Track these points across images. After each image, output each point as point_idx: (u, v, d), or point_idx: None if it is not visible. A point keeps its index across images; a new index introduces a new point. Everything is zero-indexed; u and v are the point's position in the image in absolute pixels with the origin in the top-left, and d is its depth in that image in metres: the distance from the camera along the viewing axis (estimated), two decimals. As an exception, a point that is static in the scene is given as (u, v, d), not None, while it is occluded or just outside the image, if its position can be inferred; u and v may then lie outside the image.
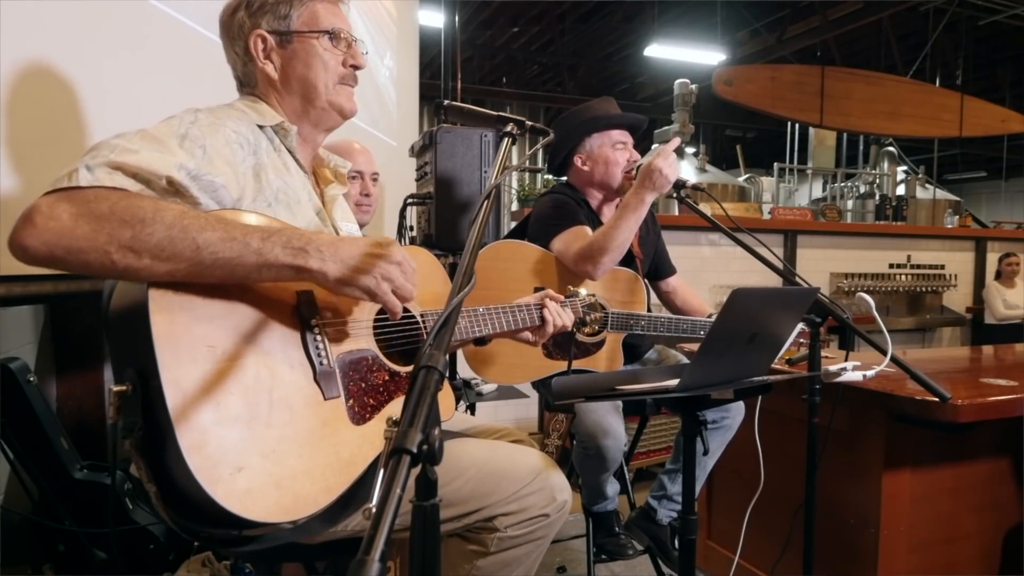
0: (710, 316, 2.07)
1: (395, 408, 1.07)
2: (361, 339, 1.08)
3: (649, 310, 2.06)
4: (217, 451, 0.83)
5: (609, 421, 1.80)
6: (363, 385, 1.05)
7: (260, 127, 1.14)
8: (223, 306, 0.91)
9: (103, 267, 0.84)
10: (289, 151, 1.19)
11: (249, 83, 1.21)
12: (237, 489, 0.83)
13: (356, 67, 1.23)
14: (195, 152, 0.97)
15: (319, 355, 0.99)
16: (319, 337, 1.00)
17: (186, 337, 0.85)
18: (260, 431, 0.88)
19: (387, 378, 1.09)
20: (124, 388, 0.84)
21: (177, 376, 0.82)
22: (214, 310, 0.90)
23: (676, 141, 1.96)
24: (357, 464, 0.97)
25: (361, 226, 2.05)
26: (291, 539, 1.03)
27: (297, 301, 0.99)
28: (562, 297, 1.42)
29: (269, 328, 0.95)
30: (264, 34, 1.15)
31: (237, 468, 0.84)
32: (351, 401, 1.01)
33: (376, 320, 1.12)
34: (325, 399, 0.98)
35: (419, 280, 1.24)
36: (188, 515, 0.86)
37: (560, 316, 1.38)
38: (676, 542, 1.96)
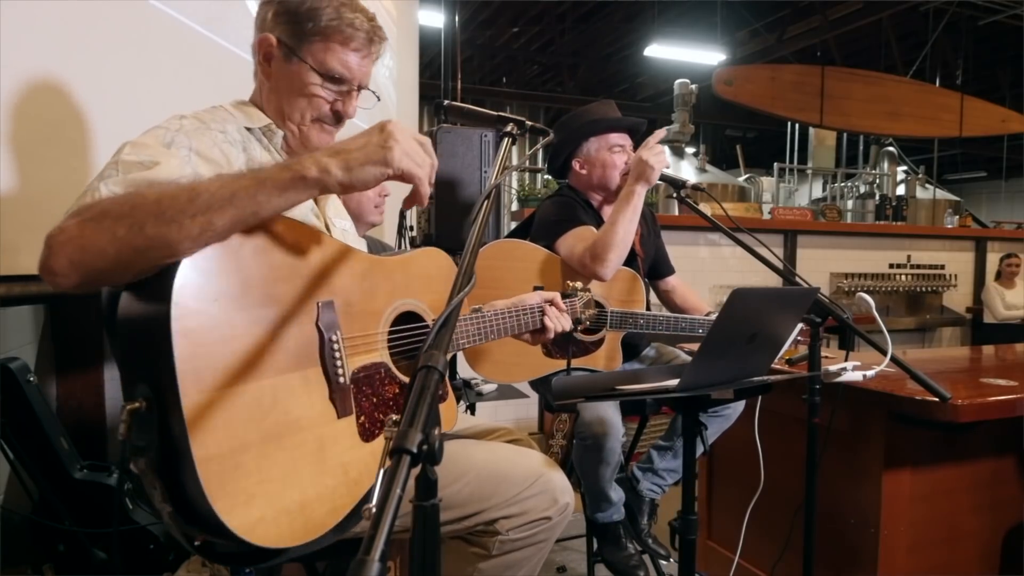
0: (708, 315, 2.07)
1: (403, 422, 1.07)
2: (375, 352, 1.07)
3: (648, 309, 2.06)
4: (233, 478, 0.82)
5: (608, 413, 1.81)
6: (375, 400, 1.04)
7: (248, 128, 1.15)
8: (247, 323, 0.88)
9: (119, 252, 0.83)
10: (277, 152, 1.19)
11: (256, 73, 1.21)
12: (251, 518, 0.83)
13: (339, 114, 1.20)
14: (181, 157, 0.98)
15: (336, 370, 0.98)
16: (338, 351, 0.99)
17: (207, 360, 0.83)
18: (273, 454, 0.88)
19: (397, 391, 1.08)
20: (137, 405, 0.82)
21: (197, 401, 0.81)
22: (238, 328, 0.87)
23: (661, 132, 1.97)
24: (363, 483, 0.97)
25: (373, 226, 2.05)
26: (298, 554, 1.04)
27: (318, 313, 0.98)
28: (564, 306, 1.42)
29: (289, 343, 0.93)
30: (274, 40, 1.15)
31: (251, 496, 0.84)
32: (362, 418, 1.01)
33: (391, 332, 1.11)
34: (339, 417, 0.97)
35: (436, 284, 1.23)
36: (201, 530, 0.86)
37: (560, 321, 1.39)
38: (676, 542, 1.96)
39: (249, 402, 0.86)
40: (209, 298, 0.85)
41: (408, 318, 1.16)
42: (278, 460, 0.88)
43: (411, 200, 1.02)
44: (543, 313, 1.37)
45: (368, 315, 1.07)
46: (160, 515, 0.87)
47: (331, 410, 0.96)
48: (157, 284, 0.83)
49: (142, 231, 0.82)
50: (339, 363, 0.98)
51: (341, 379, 0.98)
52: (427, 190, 1.00)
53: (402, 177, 0.96)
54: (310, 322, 0.96)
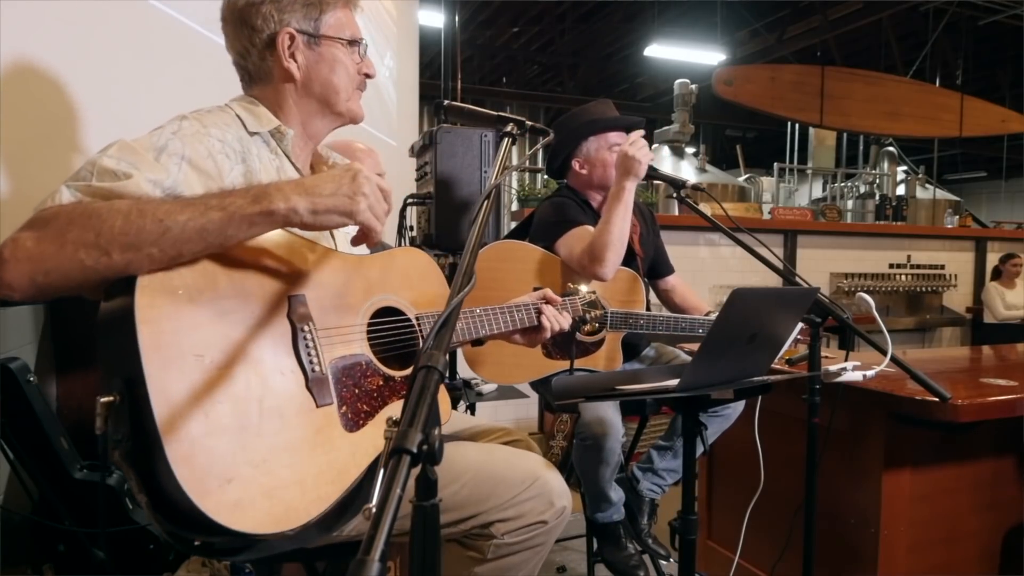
0: (708, 314, 2.07)
1: (389, 413, 1.05)
2: (354, 344, 1.06)
3: (648, 309, 2.06)
4: (206, 463, 0.82)
5: (608, 413, 1.81)
6: (356, 391, 1.03)
7: (254, 132, 1.13)
8: (212, 313, 0.89)
9: (85, 276, 0.85)
10: (286, 155, 1.18)
11: (261, 78, 1.18)
12: (226, 501, 0.82)
13: (368, 76, 1.25)
14: (171, 167, 0.97)
15: (311, 361, 0.97)
16: (311, 343, 0.98)
17: (174, 347, 0.84)
18: (250, 441, 0.87)
19: (381, 383, 1.07)
20: (111, 398, 0.83)
21: (164, 387, 0.81)
22: (202, 318, 0.88)
23: (639, 131, 1.97)
24: (350, 472, 0.96)
25: None
26: (289, 548, 1.03)
27: (289, 306, 0.98)
28: (560, 300, 1.39)
29: (260, 335, 0.93)
30: (293, 32, 1.14)
31: (226, 480, 0.83)
32: (344, 408, 1.00)
33: (370, 324, 1.11)
34: (318, 406, 0.96)
35: (416, 282, 1.23)
36: (180, 524, 0.85)
37: (558, 320, 1.35)
38: (676, 542, 1.96)
39: (220, 389, 0.87)
40: (172, 290, 0.87)
41: (387, 314, 1.15)
42: (254, 446, 0.87)
43: (359, 240, 1.05)
44: (539, 312, 1.33)
45: (344, 309, 1.07)
46: (143, 508, 0.86)
47: (309, 399, 0.96)
48: (122, 278, 0.86)
49: (109, 257, 0.84)
50: (313, 354, 0.98)
51: (316, 368, 0.98)
52: (379, 238, 1.04)
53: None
54: (282, 314, 0.97)
